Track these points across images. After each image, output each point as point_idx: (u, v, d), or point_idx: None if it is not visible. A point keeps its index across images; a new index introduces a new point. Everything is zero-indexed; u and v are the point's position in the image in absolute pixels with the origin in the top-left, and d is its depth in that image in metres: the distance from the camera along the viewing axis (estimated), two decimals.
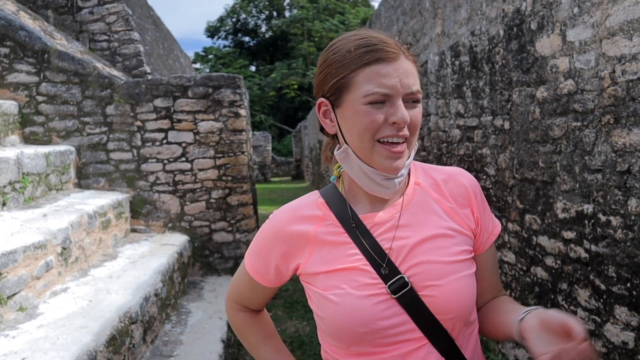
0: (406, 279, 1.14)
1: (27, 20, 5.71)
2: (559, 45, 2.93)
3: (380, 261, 1.16)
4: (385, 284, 1.14)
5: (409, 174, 1.27)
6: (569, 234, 2.97)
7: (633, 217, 2.41)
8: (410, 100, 1.14)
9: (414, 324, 1.14)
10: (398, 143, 1.14)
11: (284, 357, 1.43)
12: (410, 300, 1.14)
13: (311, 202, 1.28)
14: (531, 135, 3.32)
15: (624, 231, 2.48)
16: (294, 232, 1.24)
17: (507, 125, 3.69)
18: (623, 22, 2.37)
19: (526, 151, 3.40)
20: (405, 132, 1.14)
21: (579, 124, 2.79)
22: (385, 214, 1.21)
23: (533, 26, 3.21)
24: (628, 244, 2.45)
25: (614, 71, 2.47)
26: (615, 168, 2.51)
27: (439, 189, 1.26)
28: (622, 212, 2.49)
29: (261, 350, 1.44)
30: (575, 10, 2.75)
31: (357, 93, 1.12)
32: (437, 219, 1.22)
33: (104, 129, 5.47)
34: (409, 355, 1.15)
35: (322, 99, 1.20)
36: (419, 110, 1.16)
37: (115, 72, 6.13)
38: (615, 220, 2.54)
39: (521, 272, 3.62)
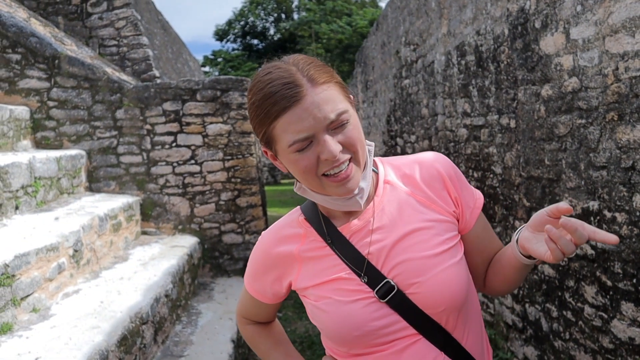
0: (391, 283, 1.16)
1: (37, 26, 5.79)
2: (563, 44, 2.95)
3: (359, 270, 1.19)
4: (372, 289, 1.17)
5: (378, 175, 1.28)
6: None
7: (638, 213, 2.42)
8: (337, 125, 1.11)
9: (406, 322, 1.16)
10: (340, 171, 1.12)
11: None
12: (399, 301, 1.16)
13: (293, 220, 1.31)
14: (537, 133, 3.34)
15: (630, 227, 2.49)
16: (280, 253, 1.29)
17: (513, 124, 3.70)
18: (625, 20, 2.39)
19: (532, 149, 3.41)
20: (343, 156, 1.12)
21: (583, 121, 2.81)
22: (359, 221, 1.22)
23: (537, 25, 3.22)
24: (634, 239, 2.46)
25: (617, 68, 2.48)
26: (619, 164, 2.52)
27: (411, 180, 1.26)
28: (627, 208, 2.50)
29: (272, 357, 1.48)
30: (579, 8, 2.76)
31: (282, 145, 1.12)
32: (413, 212, 1.22)
33: (114, 132, 5.53)
34: (406, 350, 1.17)
35: (263, 147, 1.20)
36: (350, 128, 1.13)
37: (124, 77, 6.20)
38: (620, 217, 2.55)
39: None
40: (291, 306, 6.14)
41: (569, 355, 3.12)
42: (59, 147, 5.44)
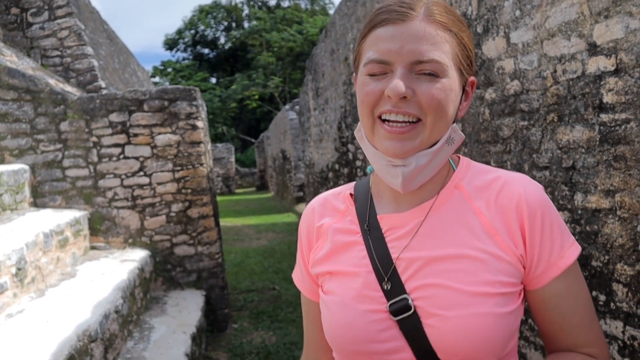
0: (409, 301, 0.95)
1: None
2: (504, 47, 3.02)
3: (384, 273, 0.99)
4: (388, 300, 0.97)
5: (454, 174, 1.05)
6: None
7: (579, 212, 2.49)
8: (423, 72, 0.93)
9: (412, 355, 0.95)
10: (399, 122, 0.94)
11: None
12: (411, 327, 0.94)
13: (341, 192, 1.14)
14: (482, 136, 3.40)
15: (572, 225, 2.55)
16: (316, 222, 1.13)
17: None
18: (561, 23, 2.46)
19: (478, 152, 3.48)
20: (410, 109, 0.93)
21: (526, 123, 2.87)
22: (405, 216, 1.02)
23: (479, 29, 3.29)
24: (576, 237, 2.53)
25: (555, 71, 2.55)
26: (561, 164, 2.59)
27: (486, 197, 1.00)
28: (569, 207, 2.56)
29: None
30: (517, 13, 2.83)
31: (362, 62, 0.98)
32: (468, 235, 0.97)
33: (59, 146, 5.38)
34: None
35: (355, 74, 1.04)
36: (437, 86, 0.93)
37: (68, 88, 6.03)
38: (563, 215, 2.62)
39: None
40: (247, 317, 6.09)
41: (520, 354, 3.18)
42: (0, 162, 5.25)
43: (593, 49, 2.27)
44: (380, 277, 0.98)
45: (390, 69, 0.94)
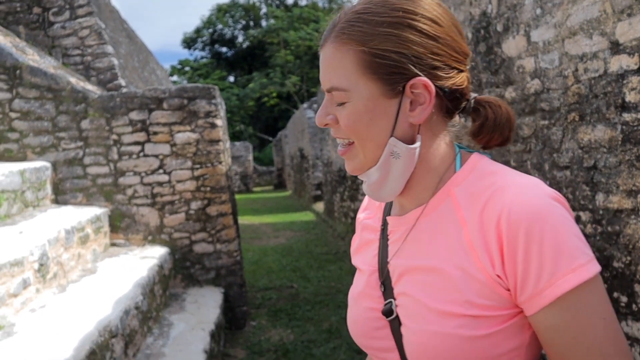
0: (392, 306, 0.95)
1: None
2: (524, 46, 3.00)
3: (380, 274, 1.01)
4: (384, 301, 0.98)
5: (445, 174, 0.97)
6: None
7: (601, 212, 2.47)
8: (335, 99, 0.93)
9: (399, 356, 0.95)
10: (344, 143, 0.96)
11: None
12: (396, 329, 0.94)
13: None
14: None
15: (593, 225, 2.53)
16: (360, 213, 1.17)
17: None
18: (583, 22, 2.44)
19: (498, 151, 3.46)
20: (341, 134, 0.95)
21: (546, 122, 2.85)
22: (402, 220, 1.00)
23: (499, 28, 3.27)
24: (597, 238, 2.51)
25: (576, 69, 2.53)
26: (582, 164, 2.57)
27: (476, 207, 0.89)
28: (590, 207, 2.54)
29: None
30: (538, 11, 2.81)
31: None
32: (446, 248, 0.90)
33: (80, 143, 5.44)
34: None
35: None
36: (345, 113, 0.92)
37: (89, 86, 6.11)
38: (584, 216, 2.60)
39: None
40: (265, 315, 6.11)
41: None
42: (23, 159, 5.33)
43: (615, 48, 2.25)
44: (380, 277, 1.00)
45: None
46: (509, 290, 0.85)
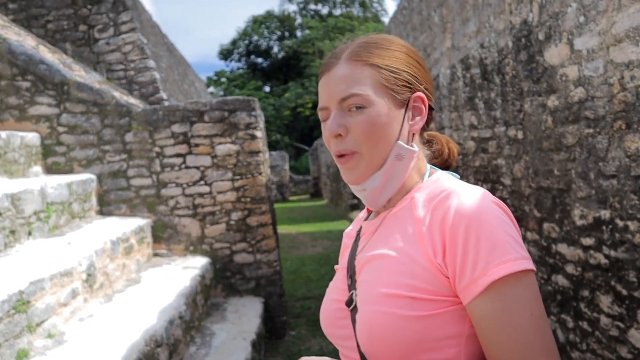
0: (354, 295, 1.05)
1: (46, 54, 5.87)
2: (567, 54, 2.96)
3: (349, 270, 1.13)
4: (349, 292, 1.09)
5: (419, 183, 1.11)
6: (587, 241, 2.98)
7: None
8: (352, 106, 1.05)
9: (356, 344, 1.03)
10: (343, 155, 1.07)
11: None
12: (353, 319, 1.04)
13: None
14: (545, 144, 3.34)
15: None
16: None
17: (520, 135, 3.71)
18: (629, 29, 2.40)
19: (541, 160, 3.42)
20: (346, 146, 1.06)
21: (591, 130, 2.81)
22: (371, 223, 1.14)
23: (541, 36, 3.24)
24: None
25: (622, 77, 2.49)
26: (629, 173, 2.52)
27: (429, 207, 1.02)
28: (639, 216, 2.49)
29: None
30: (582, 19, 2.78)
31: None
32: (399, 239, 1.02)
33: (124, 156, 5.58)
34: None
35: None
36: (363, 117, 1.04)
37: (132, 100, 6.26)
38: (632, 225, 2.55)
39: (542, 281, 3.61)
40: (304, 324, 6.13)
41: None
42: (70, 172, 5.49)
43: None
44: (348, 272, 1.12)
45: (329, 113, 1.08)
46: (448, 278, 0.94)
